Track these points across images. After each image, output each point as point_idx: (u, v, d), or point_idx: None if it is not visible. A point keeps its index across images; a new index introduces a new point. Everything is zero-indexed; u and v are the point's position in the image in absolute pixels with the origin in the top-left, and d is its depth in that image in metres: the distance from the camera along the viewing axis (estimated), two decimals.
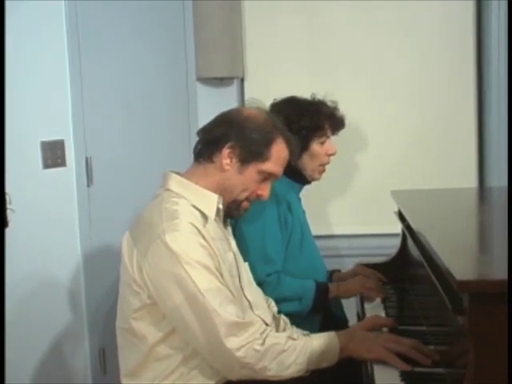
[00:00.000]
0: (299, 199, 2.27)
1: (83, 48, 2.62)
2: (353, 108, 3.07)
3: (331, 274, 2.33)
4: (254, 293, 1.79)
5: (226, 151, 1.67)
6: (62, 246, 2.61)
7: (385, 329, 1.79)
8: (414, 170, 3.11)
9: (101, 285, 2.73)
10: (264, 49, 3.17)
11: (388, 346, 1.59)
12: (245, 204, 1.73)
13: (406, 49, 3.10)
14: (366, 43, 3.11)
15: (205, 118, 3.11)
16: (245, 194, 1.71)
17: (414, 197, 2.34)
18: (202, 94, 3.20)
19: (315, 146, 2.15)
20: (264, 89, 3.16)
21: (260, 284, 1.95)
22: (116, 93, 2.81)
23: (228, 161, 1.67)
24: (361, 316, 2.07)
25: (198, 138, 1.76)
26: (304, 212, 2.30)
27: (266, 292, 1.95)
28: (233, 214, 1.76)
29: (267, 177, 1.71)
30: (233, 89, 3.25)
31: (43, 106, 2.48)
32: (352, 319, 2.21)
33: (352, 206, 3.19)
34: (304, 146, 2.11)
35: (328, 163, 2.21)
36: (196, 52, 3.12)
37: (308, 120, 2.12)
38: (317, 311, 2.09)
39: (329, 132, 2.19)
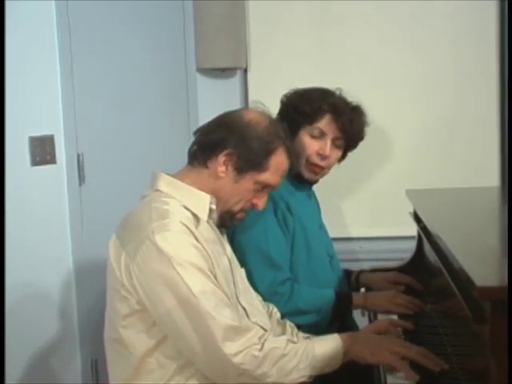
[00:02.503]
0: (309, 196, 2.22)
1: (75, 37, 2.62)
2: (363, 102, 3.10)
3: (357, 275, 2.29)
4: (249, 300, 1.79)
5: (222, 158, 1.67)
6: (52, 248, 2.61)
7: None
8: (430, 168, 3.10)
9: (93, 290, 2.73)
10: (269, 37, 3.16)
11: (394, 349, 1.60)
12: (239, 215, 1.75)
13: (424, 40, 3.09)
14: (378, 32, 3.09)
15: (205, 111, 3.18)
16: (240, 206, 1.72)
17: (431, 196, 2.33)
18: (203, 86, 3.20)
19: (302, 136, 2.05)
20: (269, 80, 3.16)
21: (270, 295, 1.93)
22: (110, 85, 2.81)
23: (223, 168, 1.68)
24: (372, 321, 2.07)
25: (193, 138, 1.75)
26: (317, 211, 2.28)
27: (277, 305, 1.93)
28: (226, 224, 1.77)
29: (264, 187, 1.72)
30: (235, 80, 3.24)
31: (32, 99, 2.48)
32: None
33: (363, 207, 3.18)
34: (293, 131, 1.98)
35: (317, 165, 2.07)
36: (196, 41, 3.12)
37: (305, 105, 2.04)
38: (338, 322, 2.06)
39: (324, 125, 2.05)
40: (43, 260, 2.56)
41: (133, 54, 2.91)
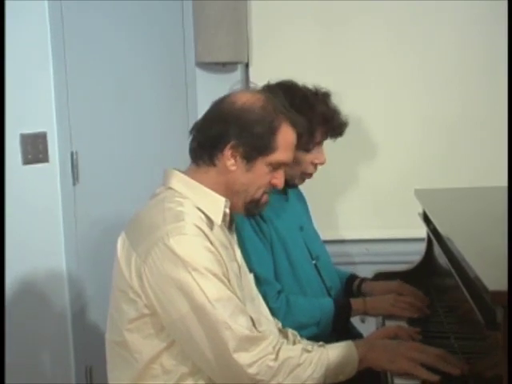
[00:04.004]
0: (285, 198, 2.17)
1: (68, 29, 2.62)
2: (370, 97, 3.10)
3: (359, 284, 2.27)
4: (256, 308, 1.80)
5: (228, 152, 1.67)
6: (45, 250, 2.61)
7: None
8: (441, 167, 3.10)
9: (88, 294, 2.73)
10: (272, 30, 3.16)
11: (412, 355, 1.61)
12: (264, 199, 1.75)
13: (431, 38, 3.09)
14: (387, 25, 3.10)
15: (205, 108, 3.14)
16: (260, 191, 1.72)
17: (441, 196, 2.33)
18: (202, 81, 3.19)
19: (297, 153, 1.96)
20: (272, 75, 3.14)
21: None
22: (105, 80, 2.81)
23: (232, 161, 1.68)
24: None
25: (191, 136, 1.74)
26: (299, 212, 2.24)
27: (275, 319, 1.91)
28: (254, 213, 1.79)
29: (278, 166, 1.72)
30: (236, 75, 3.24)
31: (23, 95, 2.48)
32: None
33: (370, 207, 3.18)
34: None
35: (313, 172, 2.10)
36: (195, 33, 3.11)
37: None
38: (337, 332, 2.05)
39: (318, 138, 2.07)
40: (35, 264, 2.56)
41: (129, 47, 2.90)
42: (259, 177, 1.70)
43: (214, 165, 1.69)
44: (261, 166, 1.69)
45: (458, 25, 3.07)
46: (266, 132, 1.67)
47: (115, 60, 2.85)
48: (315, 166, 2.09)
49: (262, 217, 2.01)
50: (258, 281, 1.94)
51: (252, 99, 1.70)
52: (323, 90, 2.10)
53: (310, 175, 2.11)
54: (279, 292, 1.99)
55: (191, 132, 1.74)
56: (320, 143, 2.08)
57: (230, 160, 1.67)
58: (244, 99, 1.70)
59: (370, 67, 3.11)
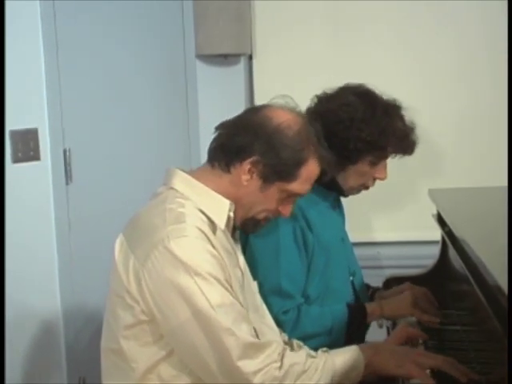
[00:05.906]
0: (333, 207, 2.20)
1: (60, 20, 2.62)
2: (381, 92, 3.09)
3: (372, 294, 2.27)
4: (260, 317, 1.80)
5: (247, 166, 1.67)
6: (36, 255, 2.61)
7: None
8: (456, 165, 3.10)
9: (81, 302, 2.72)
10: (277, 20, 3.16)
11: (419, 360, 1.65)
12: (263, 222, 1.77)
13: (444, 34, 3.09)
14: (398, 12, 3.10)
15: (206, 102, 3.18)
16: (264, 214, 1.74)
17: (456, 197, 2.32)
18: (203, 74, 3.19)
19: (364, 165, 2.04)
20: (276, 68, 3.16)
21: (276, 321, 1.90)
22: (100, 74, 2.81)
23: (248, 176, 1.68)
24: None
25: (215, 134, 1.74)
26: (341, 221, 2.26)
27: (283, 332, 1.92)
28: (248, 230, 1.79)
29: (291, 195, 1.74)
30: (239, 68, 3.24)
31: (13, 89, 2.47)
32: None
33: (381, 208, 3.17)
34: (352, 160, 2.03)
35: (371, 186, 2.13)
36: (195, 24, 3.11)
37: (374, 134, 1.99)
38: (354, 340, 2.05)
39: (389, 154, 2.08)
40: (26, 268, 2.55)
41: (125, 39, 2.90)
42: (269, 200, 1.71)
43: (229, 172, 1.69)
44: (274, 191, 1.70)
45: (463, 27, 3.08)
46: (292, 160, 1.67)
47: (110, 53, 2.84)
48: (375, 180, 2.11)
49: (309, 226, 2.02)
50: (281, 295, 1.96)
51: (290, 121, 1.69)
52: (397, 103, 2.10)
53: (367, 188, 2.14)
54: (296, 306, 1.98)
55: (216, 129, 1.74)
56: (386, 158, 2.09)
57: (245, 175, 1.67)
58: (282, 119, 1.69)
59: (375, 65, 3.10)
